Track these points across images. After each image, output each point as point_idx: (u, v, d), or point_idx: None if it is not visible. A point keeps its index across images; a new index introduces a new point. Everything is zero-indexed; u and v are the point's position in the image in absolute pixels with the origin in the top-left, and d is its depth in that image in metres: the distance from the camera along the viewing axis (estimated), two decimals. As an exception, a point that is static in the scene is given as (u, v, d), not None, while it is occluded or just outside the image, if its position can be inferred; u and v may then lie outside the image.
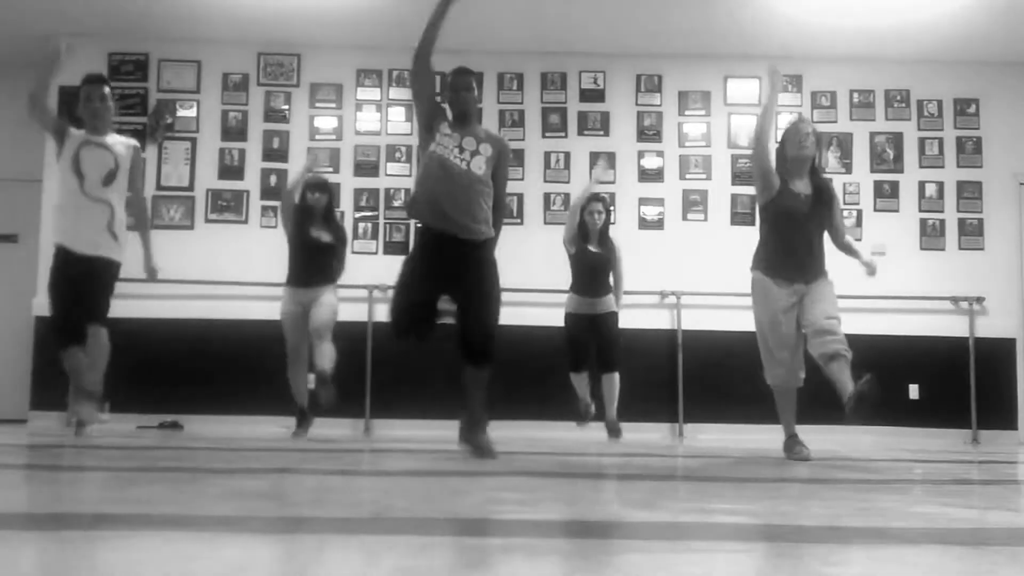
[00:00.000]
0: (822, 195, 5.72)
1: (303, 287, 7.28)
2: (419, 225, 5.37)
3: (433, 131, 5.23)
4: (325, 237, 7.42)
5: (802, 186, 5.68)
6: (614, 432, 7.87)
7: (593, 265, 7.88)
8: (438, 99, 5.50)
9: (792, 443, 5.66)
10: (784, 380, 5.64)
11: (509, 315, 8.52)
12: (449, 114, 5.35)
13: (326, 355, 7.13)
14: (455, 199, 5.11)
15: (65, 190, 5.75)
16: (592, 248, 7.90)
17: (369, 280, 8.94)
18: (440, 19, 5.28)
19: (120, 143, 5.99)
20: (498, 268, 5.24)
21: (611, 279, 7.98)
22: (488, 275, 5.21)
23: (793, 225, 5.62)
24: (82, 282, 5.73)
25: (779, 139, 5.88)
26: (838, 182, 9.59)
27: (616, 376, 7.91)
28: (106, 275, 5.83)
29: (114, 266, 5.89)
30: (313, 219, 7.44)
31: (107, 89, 5.93)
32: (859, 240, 9.49)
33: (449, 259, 5.11)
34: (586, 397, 8.02)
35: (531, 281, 8.74)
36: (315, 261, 7.36)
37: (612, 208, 9.51)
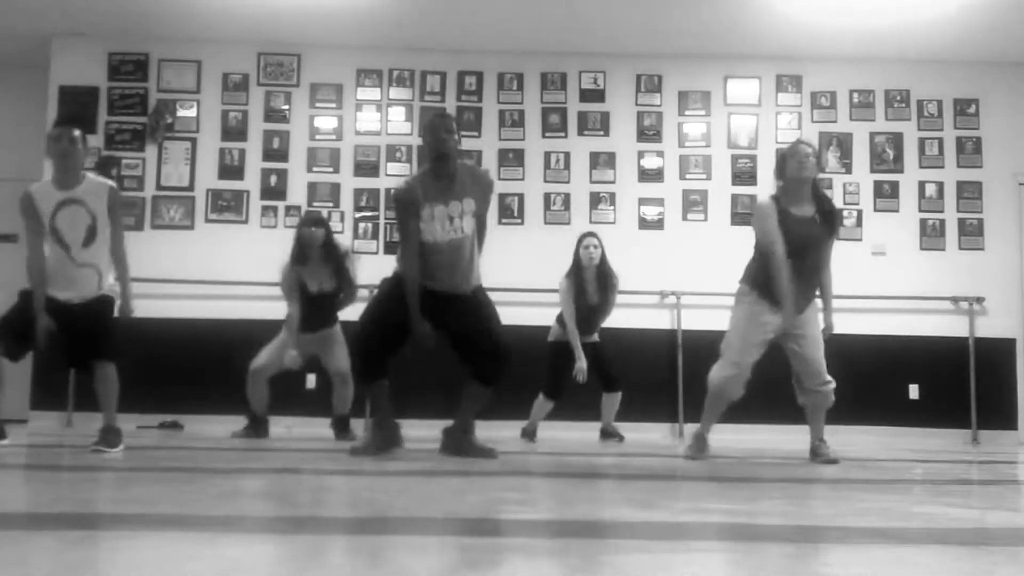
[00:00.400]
0: (829, 221, 5.65)
1: (304, 332, 7.23)
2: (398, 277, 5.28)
3: (417, 218, 5.16)
4: (326, 286, 7.30)
5: (806, 209, 5.58)
6: (613, 436, 7.84)
7: (589, 312, 7.72)
8: (414, 197, 5.22)
9: (701, 443, 5.68)
10: (727, 384, 5.57)
11: (508, 315, 8.56)
12: (416, 185, 5.22)
13: (348, 400, 7.33)
14: (451, 268, 5.19)
15: (53, 257, 5.29)
16: (590, 301, 7.70)
17: (370, 280, 8.90)
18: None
19: (92, 191, 5.32)
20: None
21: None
22: (488, 303, 5.31)
23: (796, 251, 5.50)
24: (79, 323, 5.31)
25: (779, 160, 5.76)
26: (838, 182, 9.61)
27: (618, 395, 7.87)
28: (106, 312, 5.43)
29: (106, 302, 5.43)
30: (310, 258, 7.27)
31: (77, 132, 5.33)
32: (859, 240, 9.51)
33: (438, 307, 5.15)
34: (536, 424, 7.84)
35: (531, 281, 8.75)
36: (319, 311, 7.26)
37: (612, 208, 9.53)
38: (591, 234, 7.92)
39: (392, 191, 5.27)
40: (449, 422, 5.41)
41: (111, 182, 5.55)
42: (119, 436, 5.24)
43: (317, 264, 7.29)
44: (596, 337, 7.87)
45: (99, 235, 5.29)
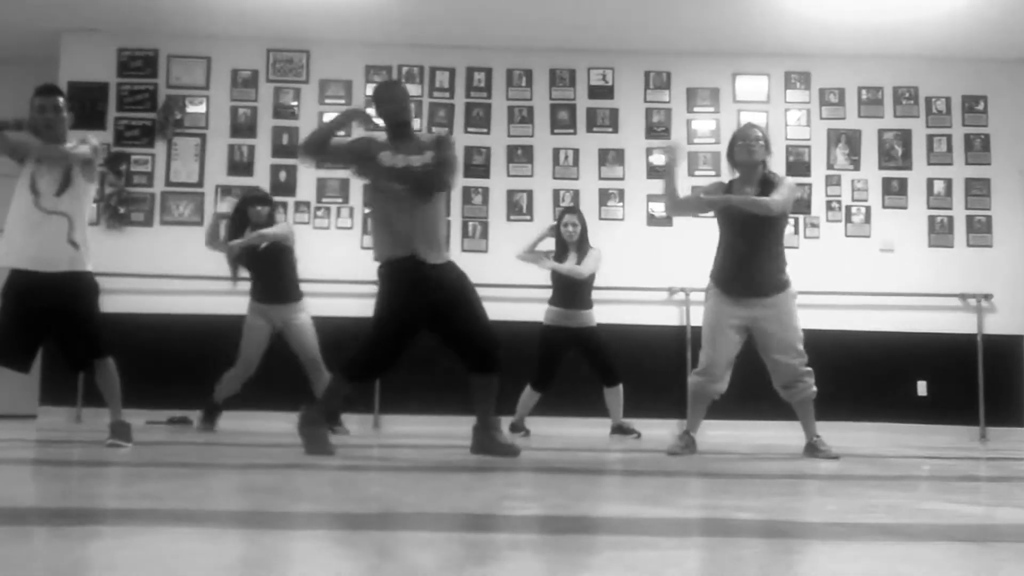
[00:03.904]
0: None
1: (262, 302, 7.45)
2: (382, 263, 5.19)
3: (373, 161, 5.15)
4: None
5: (750, 192, 5.52)
6: (626, 432, 7.82)
7: (570, 282, 7.81)
8: (357, 141, 5.36)
9: (687, 440, 5.69)
10: (702, 388, 5.64)
11: (517, 311, 8.60)
12: (383, 135, 5.26)
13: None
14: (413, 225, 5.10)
15: (19, 204, 5.15)
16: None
17: (374, 275, 8.92)
18: (333, 131, 5.34)
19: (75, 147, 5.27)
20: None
21: (594, 295, 7.96)
22: (472, 288, 5.21)
23: (740, 233, 5.51)
24: (55, 305, 5.08)
25: (729, 144, 5.75)
26: (846, 179, 9.60)
27: (619, 388, 7.87)
28: (90, 300, 5.23)
29: (88, 286, 5.25)
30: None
31: (61, 100, 5.25)
32: (868, 237, 9.51)
33: (424, 288, 5.04)
34: (523, 418, 7.88)
35: (540, 277, 8.73)
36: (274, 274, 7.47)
37: (620, 204, 9.52)
38: (571, 210, 8.16)
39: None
40: (458, 418, 5.41)
41: (93, 143, 5.35)
42: (129, 430, 5.25)
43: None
44: (588, 322, 7.88)
45: (75, 186, 5.16)
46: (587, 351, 7.78)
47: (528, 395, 7.82)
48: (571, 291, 7.79)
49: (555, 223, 8.13)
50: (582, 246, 7.91)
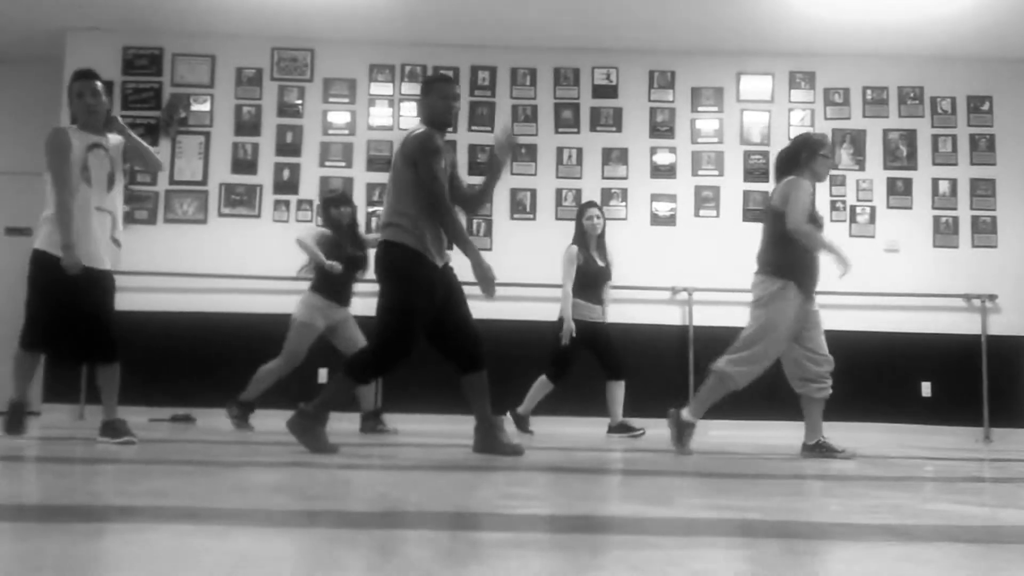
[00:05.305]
0: None
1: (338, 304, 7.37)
2: (410, 250, 5.03)
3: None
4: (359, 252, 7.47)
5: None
6: (626, 430, 7.83)
7: (597, 275, 7.94)
8: (438, 152, 5.11)
9: (691, 430, 5.70)
10: (744, 379, 5.64)
11: (520, 310, 8.60)
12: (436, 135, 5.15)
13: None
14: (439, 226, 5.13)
15: (80, 198, 5.20)
16: (598, 261, 7.97)
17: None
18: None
19: (113, 142, 5.44)
20: None
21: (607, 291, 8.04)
22: (459, 284, 5.23)
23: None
24: (91, 301, 5.19)
25: (808, 144, 5.79)
26: (851, 179, 9.60)
27: (623, 384, 7.90)
28: (112, 292, 5.35)
29: (112, 282, 5.38)
30: (343, 234, 7.44)
31: (100, 84, 5.39)
32: (872, 237, 9.51)
33: (442, 287, 5.09)
34: (530, 411, 7.94)
35: (543, 276, 8.75)
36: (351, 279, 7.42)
37: (624, 204, 9.52)
38: (594, 204, 8.22)
39: (415, 136, 5.11)
40: (460, 417, 5.40)
41: (121, 137, 5.50)
42: (125, 426, 5.28)
43: (346, 240, 7.45)
44: (603, 316, 7.93)
45: (116, 184, 5.37)
46: (598, 344, 7.81)
47: (540, 386, 7.87)
48: (593, 286, 7.89)
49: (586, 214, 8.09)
50: (603, 241, 8.03)
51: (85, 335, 5.25)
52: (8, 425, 5.41)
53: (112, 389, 5.33)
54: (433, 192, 5.00)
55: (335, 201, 7.59)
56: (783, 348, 5.59)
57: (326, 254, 7.23)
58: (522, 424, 7.88)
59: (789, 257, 5.60)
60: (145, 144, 5.65)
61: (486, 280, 4.97)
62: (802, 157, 5.73)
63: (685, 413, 5.68)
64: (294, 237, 7.51)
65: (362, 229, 8.04)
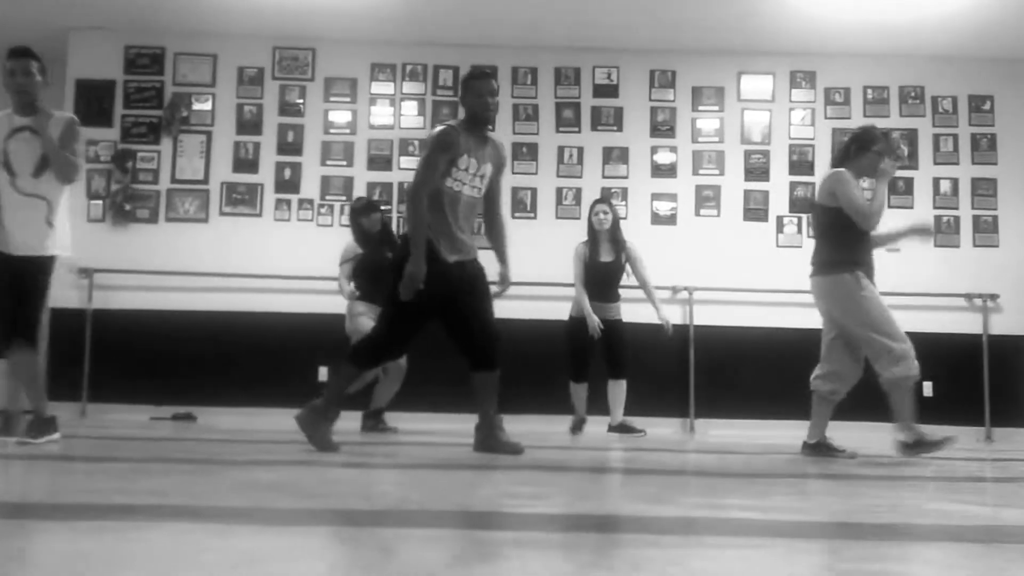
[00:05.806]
0: None
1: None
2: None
3: (451, 167, 5.06)
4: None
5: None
6: (626, 430, 7.82)
7: (604, 274, 7.90)
8: (446, 149, 5.07)
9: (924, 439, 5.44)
10: (915, 368, 5.40)
11: (522, 309, 8.59)
12: (459, 133, 5.09)
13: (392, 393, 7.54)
14: (467, 222, 5.18)
15: None
16: (603, 259, 7.92)
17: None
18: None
19: (52, 122, 5.00)
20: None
21: (620, 288, 8.02)
22: (487, 281, 5.26)
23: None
24: (17, 286, 4.94)
25: (859, 137, 5.71)
26: (852, 178, 9.59)
27: (624, 383, 7.89)
28: (33, 277, 4.99)
29: (45, 265, 5.04)
30: (374, 243, 7.43)
31: (34, 64, 4.96)
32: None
33: (451, 281, 5.07)
34: (582, 411, 7.94)
35: (543, 275, 8.75)
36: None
37: (624, 203, 9.51)
38: (601, 200, 8.24)
39: (436, 129, 5.13)
40: (461, 416, 5.41)
41: (70, 115, 5.20)
42: (52, 425, 5.03)
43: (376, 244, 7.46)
44: (616, 314, 7.93)
45: (59, 167, 4.94)
46: (610, 341, 7.81)
47: (574, 390, 7.91)
48: (601, 285, 7.88)
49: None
50: (615, 235, 7.98)
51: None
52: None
53: (23, 380, 5.07)
54: (415, 179, 5.08)
55: (363, 211, 7.58)
56: (893, 315, 5.47)
57: (363, 267, 7.33)
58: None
59: (843, 252, 5.48)
60: (61, 152, 4.98)
61: (406, 285, 4.94)
62: (851, 150, 5.65)
63: (904, 437, 5.47)
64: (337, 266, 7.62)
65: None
